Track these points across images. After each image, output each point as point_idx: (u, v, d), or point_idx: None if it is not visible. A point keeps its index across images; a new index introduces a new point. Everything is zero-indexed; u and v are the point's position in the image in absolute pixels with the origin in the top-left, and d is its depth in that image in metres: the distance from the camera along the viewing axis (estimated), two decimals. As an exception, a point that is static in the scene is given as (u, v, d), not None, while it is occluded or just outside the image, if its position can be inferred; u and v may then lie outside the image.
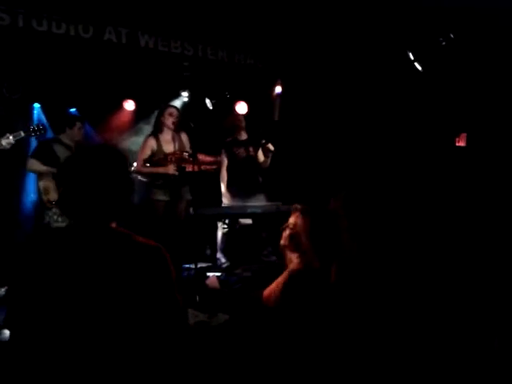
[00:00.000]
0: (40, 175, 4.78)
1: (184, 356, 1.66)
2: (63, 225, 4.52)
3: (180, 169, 4.83)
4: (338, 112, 5.99)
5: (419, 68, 5.09)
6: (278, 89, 6.27)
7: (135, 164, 5.07)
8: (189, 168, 4.80)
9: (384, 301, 2.32)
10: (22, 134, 4.41)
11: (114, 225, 1.66)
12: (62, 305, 1.47)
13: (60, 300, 1.47)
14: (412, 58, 5.07)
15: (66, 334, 1.45)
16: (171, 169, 4.88)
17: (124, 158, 1.71)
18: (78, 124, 4.98)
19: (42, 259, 1.54)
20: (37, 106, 6.25)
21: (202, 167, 4.84)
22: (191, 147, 5.00)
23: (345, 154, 5.97)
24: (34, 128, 4.55)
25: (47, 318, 1.46)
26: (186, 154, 4.85)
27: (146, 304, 1.54)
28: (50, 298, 1.47)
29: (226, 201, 5.30)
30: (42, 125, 4.66)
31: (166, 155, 4.92)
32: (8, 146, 4.27)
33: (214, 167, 5.25)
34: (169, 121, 5.04)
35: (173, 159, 4.88)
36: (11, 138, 4.29)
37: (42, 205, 4.75)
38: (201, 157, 4.88)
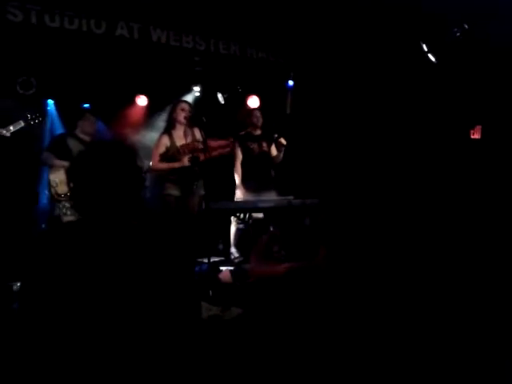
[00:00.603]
0: (51, 168, 4.84)
1: (196, 348, 1.67)
2: (73, 218, 4.57)
3: (193, 159, 4.80)
4: (351, 105, 5.94)
5: (433, 59, 5.03)
6: (290, 82, 6.25)
7: (151, 162, 5.08)
8: (203, 157, 4.77)
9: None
10: (22, 123, 4.55)
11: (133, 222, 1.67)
12: (74, 300, 1.47)
13: (72, 295, 1.48)
14: (426, 49, 5.01)
15: (79, 328, 1.46)
16: (186, 161, 4.87)
17: (133, 154, 1.71)
18: (88, 115, 5.01)
19: (54, 254, 1.55)
20: (50, 102, 6.29)
21: (217, 152, 4.82)
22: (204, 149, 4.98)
23: (358, 148, 5.93)
24: (32, 116, 4.67)
25: (60, 313, 1.47)
26: (197, 143, 4.83)
27: (162, 295, 1.55)
28: (63, 293, 1.48)
29: (239, 194, 5.30)
30: (39, 112, 4.77)
31: (178, 148, 4.91)
32: (8, 134, 4.42)
33: (228, 149, 5.18)
34: (181, 116, 5.02)
35: (186, 151, 4.87)
36: (11, 127, 4.44)
37: (52, 198, 4.81)
38: (212, 143, 4.84)
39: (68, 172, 1.75)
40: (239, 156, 5.36)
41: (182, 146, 4.91)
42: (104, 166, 1.60)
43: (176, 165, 4.90)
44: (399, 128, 5.66)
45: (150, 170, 5.08)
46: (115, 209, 1.62)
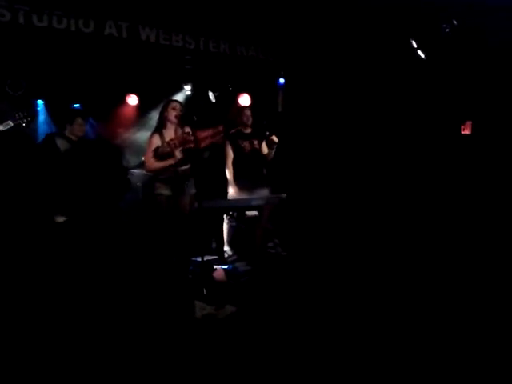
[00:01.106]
0: None
1: (190, 346, 1.67)
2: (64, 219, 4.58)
3: (186, 151, 4.77)
4: (341, 102, 5.96)
5: (422, 56, 5.04)
6: (282, 80, 6.25)
7: (145, 163, 5.05)
8: (201, 145, 4.76)
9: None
10: (11, 123, 4.53)
11: None
12: (64, 302, 1.47)
13: (63, 297, 1.47)
14: (415, 45, 5.02)
15: (71, 332, 1.45)
16: (178, 155, 4.84)
17: (118, 154, 1.72)
18: (78, 120, 4.97)
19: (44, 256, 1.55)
20: (40, 102, 6.25)
21: (208, 142, 4.80)
22: (194, 141, 4.96)
23: (349, 145, 5.94)
24: (20, 116, 4.65)
25: (50, 316, 1.46)
26: (186, 134, 4.81)
27: (151, 296, 1.55)
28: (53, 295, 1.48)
29: (232, 193, 5.30)
30: (28, 112, 4.74)
31: (168, 143, 4.88)
32: None
33: (219, 138, 5.15)
34: (171, 115, 4.99)
35: (176, 144, 4.84)
36: (1, 127, 4.41)
37: None
38: (201, 133, 4.81)
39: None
40: (230, 154, 5.35)
41: (172, 139, 4.88)
42: (89, 166, 1.60)
43: (171, 161, 4.87)
44: (390, 124, 5.68)
45: (146, 170, 5.05)
46: (100, 208, 1.62)
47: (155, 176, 5.00)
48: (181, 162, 4.83)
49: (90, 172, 1.37)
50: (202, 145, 4.60)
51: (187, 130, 4.94)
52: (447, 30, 4.89)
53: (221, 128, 5.02)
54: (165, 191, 4.96)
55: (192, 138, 4.64)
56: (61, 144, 4.84)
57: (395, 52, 5.32)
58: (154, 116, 6.13)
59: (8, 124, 4.51)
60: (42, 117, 6.31)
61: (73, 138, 4.93)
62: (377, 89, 5.72)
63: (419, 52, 5.01)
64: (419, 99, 5.49)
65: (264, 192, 5.30)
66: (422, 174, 5.04)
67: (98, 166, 1.42)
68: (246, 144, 5.36)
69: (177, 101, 5.28)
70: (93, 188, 1.38)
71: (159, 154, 4.88)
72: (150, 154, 4.94)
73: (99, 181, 1.41)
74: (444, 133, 5.46)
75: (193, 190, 5.11)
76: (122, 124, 6.62)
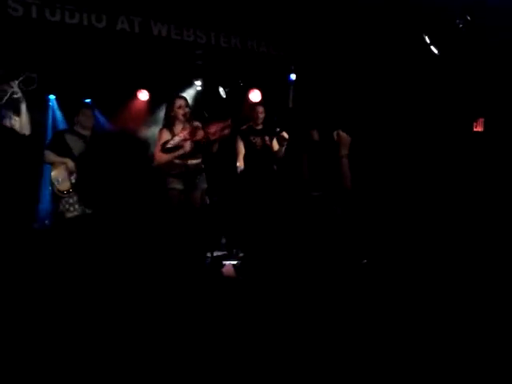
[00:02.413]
0: (53, 165, 4.85)
1: (201, 339, 1.66)
2: (75, 214, 4.58)
3: (195, 144, 4.78)
4: (353, 98, 5.92)
5: (436, 51, 4.99)
6: (292, 76, 6.22)
7: (154, 157, 5.05)
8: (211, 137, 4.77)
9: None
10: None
11: None
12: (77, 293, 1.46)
13: (77, 289, 1.47)
14: (428, 41, 4.97)
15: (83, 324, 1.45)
16: (188, 147, 4.82)
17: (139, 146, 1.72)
18: (85, 111, 4.98)
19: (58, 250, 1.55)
20: (52, 97, 6.28)
21: (217, 135, 4.79)
22: (205, 137, 4.96)
23: (360, 141, 5.91)
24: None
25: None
26: (195, 123, 4.80)
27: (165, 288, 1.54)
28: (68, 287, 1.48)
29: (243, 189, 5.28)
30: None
31: (178, 135, 4.87)
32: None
33: (228, 131, 5.13)
34: (179, 113, 4.96)
35: (186, 136, 4.83)
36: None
37: (54, 195, 4.81)
38: (210, 127, 4.80)
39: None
40: (242, 150, 5.34)
41: (181, 131, 4.87)
42: (109, 160, 1.60)
43: (180, 151, 4.85)
44: (402, 121, 5.64)
45: (154, 164, 5.05)
46: (117, 201, 1.62)
47: (168, 171, 5.00)
48: (190, 155, 4.82)
49: (104, 169, 1.38)
50: (212, 138, 4.61)
51: (196, 123, 4.94)
52: (461, 25, 4.84)
53: (229, 121, 4.99)
54: (177, 186, 4.97)
55: (201, 130, 4.65)
56: (71, 140, 4.85)
57: (408, 47, 5.27)
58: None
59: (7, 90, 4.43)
60: (53, 112, 6.36)
61: (82, 131, 4.94)
62: (389, 85, 5.68)
63: (432, 48, 4.96)
64: (431, 95, 5.44)
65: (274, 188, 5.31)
66: (434, 171, 4.99)
67: (114, 161, 1.42)
68: (258, 140, 5.36)
69: (182, 97, 5.23)
70: (110, 184, 1.39)
71: (167, 148, 4.87)
72: (159, 147, 4.94)
73: (116, 176, 1.42)
74: (456, 130, 5.41)
75: (204, 185, 5.12)
76: (132, 119, 6.63)
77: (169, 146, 4.76)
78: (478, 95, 5.33)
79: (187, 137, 4.81)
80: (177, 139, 4.75)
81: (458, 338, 2.12)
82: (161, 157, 4.91)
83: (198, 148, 4.74)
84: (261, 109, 5.41)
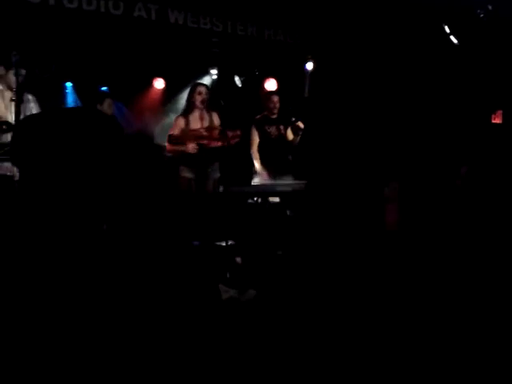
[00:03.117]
0: None
1: (214, 328, 1.66)
2: None
3: (199, 146, 4.83)
4: (371, 88, 5.85)
5: (455, 41, 4.92)
6: (309, 65, 6.16)
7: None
8: (212, 144, 4.83)
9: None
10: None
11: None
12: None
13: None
14: (448, 31, 4.90)
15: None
16: (190, 147, 4.86)
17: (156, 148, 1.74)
18: (108, 100, 5.01)
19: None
20: (69, 84, 6.31)
21: (223, 142, 4.84)
22: (221, 126, 4.97)
23: (377, 133, 5.85)
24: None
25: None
26: (202, 130, 4.85)
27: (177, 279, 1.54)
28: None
29: (261, 179, 5.26)
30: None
31: (187, 133, 4.91)
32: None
33: (236, 140, 5.17)
34: (197, 100, 4.99)
35: (191, 137, 4.87)
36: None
37: None
38: (230, 133, 4.85)
39: None
40: (256, 140, 5.33)
41: (191, 131, 4.92)
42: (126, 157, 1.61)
43: (180, 148, 4.90)
44: (421, 112, 5.57)
45: (166, 151, 5.08)
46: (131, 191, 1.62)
47: (179, 159, 5.02)
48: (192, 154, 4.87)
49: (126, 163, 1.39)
50: (218, 145, 4.71)
51: (215, 119, 4.97)
52: (482, 15, 4.75)
53: (239, 132, 5.03)
54: (188, 174, 4.99)
55: (207, 134, 4.73)
56: None
57: (428, 37, 5.19)
58: (180, 100, 6.14)
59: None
60: (70, 99, 6.38)
61: None
62: (407, 74, 5.60)
63: (452, 37, 4.88)
64: (451, 86, 5.37)
65: (288, 178, 5.28)
66: (453, 162, 4.93)
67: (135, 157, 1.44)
68: (273, 129, 5.33)
69: (203, 84, 5.26)
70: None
71: (172, 139, 4.89)
72: (167, 138, 4.96)
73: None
74: (475, 121, 5.34)
75: (217, 174, 5.13)
76: (148, 107, 6.64)
77: (173, 140, 4.81)
78: (497, 87, 5.25)
79: (191, 138, 4.86)
80: (189, 148, 4.80)
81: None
82: (168, 146, 4.94)
83: (201, 150, 4.82)
84: (276, 98, 5.38)
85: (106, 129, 0.99)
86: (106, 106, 4.99)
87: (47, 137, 0.91)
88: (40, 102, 5.09)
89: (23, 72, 4.00)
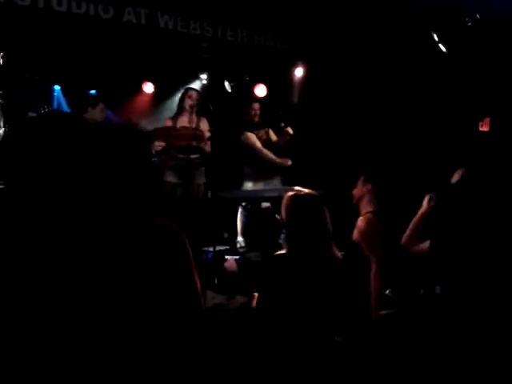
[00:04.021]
0: None
1: (199, 341, 1.63)
2: None
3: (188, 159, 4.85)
4: (359, 95, 5.88)
5: (444, 49, 4.95)
6: (299, 71, 6.18)
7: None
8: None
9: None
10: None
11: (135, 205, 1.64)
12: (76, 283, 1.42)
13: (74, 278, 1.43)
14: (437, 39, 4.93)
15: (77, 315, 1.40)
16: (156, 144, 4.83)
17: (143, 139, 1.69)
18: (101, 105, 4.98)
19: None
20: (57, 87, 6.27)
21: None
22: (210, 131, 4.95)
23: (366, 139, 5.88)
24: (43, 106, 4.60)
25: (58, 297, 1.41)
26: (200, 122, 4.96)
27: (162, 287, 1.51)
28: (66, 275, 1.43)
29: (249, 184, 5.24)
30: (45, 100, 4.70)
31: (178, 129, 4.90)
32: None
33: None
34: (187, 103, 5.01)
35: (181, 134, 4.85)
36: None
37: None
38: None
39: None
40: (256, 140, 5.27)
41: (181, 128, 4.88)
42: (113, 151, 1.57)
43: (181, 155, 4.88)
44: (408, 119, 5.61)
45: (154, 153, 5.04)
46: (124, 194, 1.60)
47: (164, 163, 4.99)
48: (187, 149, 4.84)
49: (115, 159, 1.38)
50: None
51: (203, 124, 4.97)
52: (469, 23, 4.79)
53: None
54: (173, 179, 4.97)
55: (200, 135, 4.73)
56: None
57: (416, 45, 5.23)
58: (169, 104, 6.12)
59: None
60: (58, 102, 6.34)
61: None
62: (396, 82, 5.64)
63: (440, 45, 4.92)
64: (438, 93, 5.41)
65: (276, 183, 5.29)
66: (439, 170, 4.95)
67: (124, 152, 1.42)
68: (261, 133, 5.35)
69: (194, 89, 5.27)
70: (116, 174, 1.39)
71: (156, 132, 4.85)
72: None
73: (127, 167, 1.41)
74: (462, 129, 5.38)
75: (203, 179, 5.11)
76: (136, 112, 6.61)
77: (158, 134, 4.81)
78: (484, 94, 5.29)
79: (182, 135, 4.84)
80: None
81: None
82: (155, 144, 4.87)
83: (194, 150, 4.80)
84: (256, 105, 5.39)
85: (89, 139, 0.90)
86: (99, 111, 4.94)
87: (27, 148, 0.84)
88: (29, 104, 5.06)
89: None
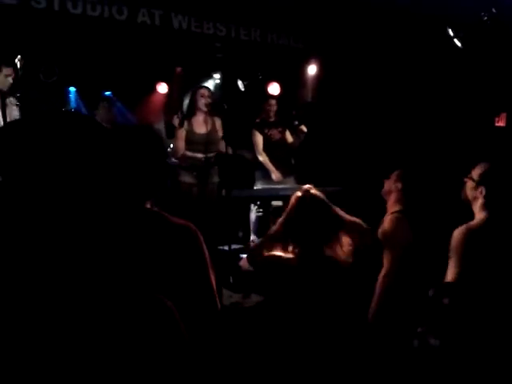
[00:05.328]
0: None
1: (215, 339, 1.64)
2: None
3: (206, 159, 4.86)
4: (374, 91, 5.84)
5: (459, 44, 4.90)
6: (312, 69, 6.16)
7: (174, 149, 5.07)
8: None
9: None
10: None
11: (148, 205, 1.65)
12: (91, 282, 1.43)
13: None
14: (452, 34, 4.88)
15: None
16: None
17: (160, 139, 1.71)
18: (103, 104, 5.01)
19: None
20: (72, 89, 6.33)
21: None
22: (224, 131, 4.96)
23: (381, 136, 5.84)
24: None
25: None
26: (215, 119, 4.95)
27: (178, 285, 1.52)
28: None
29: (274, 177, 5.21)
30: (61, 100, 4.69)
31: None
32: None
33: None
34: (201, 102, 4.97)
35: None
36: None
37: None
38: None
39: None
40: (260, 141, 5.28)
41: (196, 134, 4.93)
42: (132, 150, 1.58)
43: (199, 156, 4.91)
44: (423, 116, 5.56)
45: (175, 156, 5.05)
46: (141, 194, 1.61)
47: (179, 163, 5.01)
48: (201, 148, 4.87)
49: (133, 158, 1.38)
50: None
51: (218, 124, 4.98)
52: (485, 18, 4.73)
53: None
54: (189, 179, 4.97)
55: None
56: None
57: (431, 41, 5.17)
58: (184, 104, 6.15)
59: None
60: (73, 104, 6.41)
61: (104, 124, 4.97)
62: (411, 78, 5.59)
63: (456, 40, 4.87)
64: (454, 89, 5.35)
65: (290, 182, 5.28)
66: (456, 166, 4.91)
67: (143, 152, 1.43)
68: (274, 132, 5.33)
69: (206, 87, 5.24)
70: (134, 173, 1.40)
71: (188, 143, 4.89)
72: (181, 140, 4.94)
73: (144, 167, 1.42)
74: (478, 124, 5.32)
75: (216, 179, 5.12)
76: (151, 112, 6.66)
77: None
78: (501, 90, 5.22)
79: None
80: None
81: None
82: (185, 153, 4.90)
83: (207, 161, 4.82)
84: (273, 102, 5.38)
85: (92, 136, 0.88)
86: (104, 111, 4.97)
87: (28, 145, 0.83)
88: (44, 106, 5.12)
89: (8, 71, 3.98)
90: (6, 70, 3.95)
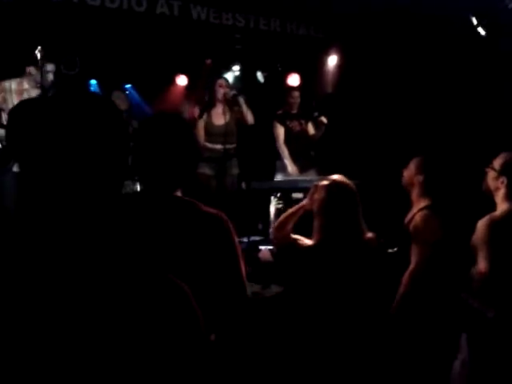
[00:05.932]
0: None
1: (243, 327, 1.63)
2: None
3: (225, 150, 4.84)
4: (395, 83, 5.75)
5: (483, 33, 4.79)
6: (332, 60, 6.09)
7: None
8: None
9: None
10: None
11: (179, 193, 1.65)
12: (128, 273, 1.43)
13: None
14: (475, 22, 4.77)
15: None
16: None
17: (190, 127, 1.71)
18: (115, 93, 5.04)
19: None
20: (93, 82, 6.36)
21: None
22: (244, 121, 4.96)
23: (402, 128, 5.75)
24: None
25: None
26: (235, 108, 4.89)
27: (208, 273, 1.52)
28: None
29: (290, 172, 5.19)
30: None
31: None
32: None
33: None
34: (219, 93, 4.97)
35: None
36: None
37: None
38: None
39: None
40: (281, 133, 5.25)
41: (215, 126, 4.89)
42: (164, 138, 1.58)
43: (218, 147, 4.91)
44: (445, 105, 5.46)
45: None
46: (172, 182, 1.61)
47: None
48: (221, 139, 4.85)
49: (166, 146, 1.38)
50: None
51: (237, 108, 4.95)
52: (510, 5, 4.62)
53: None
54: (207, 170, 4.96)
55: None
56: None
57: (455, 30, 5.06)
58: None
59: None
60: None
61: None
62: (433, 67, 5.48)
63: (479, 29, 4.76)
64: (476, 78, 5.24)
65: (311, 174, 5.24)
66: (477, 156, 4.80)
67: (174, 139, 1.43)
68: (295, 124, 5.29)
69: (224, 78, 5.23)
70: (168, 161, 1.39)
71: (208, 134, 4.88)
72: (202, 132, 4.94)
73: (176, 154, 1.42)
74: (499, 114, 5.19)
75: (236, 170, 5.10)
76: (170, 104, 6.66)
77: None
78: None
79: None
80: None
81: None
82: (205, 144, 4.89)
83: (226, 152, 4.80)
84: (296, 93, 5.33)
85: (108, 118, 0.85)
86: (116, 100, 5.00)
87: (45, 126, 0.79)
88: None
89: (50, 68, 4.03)
90: (49, 66, 4.03)
